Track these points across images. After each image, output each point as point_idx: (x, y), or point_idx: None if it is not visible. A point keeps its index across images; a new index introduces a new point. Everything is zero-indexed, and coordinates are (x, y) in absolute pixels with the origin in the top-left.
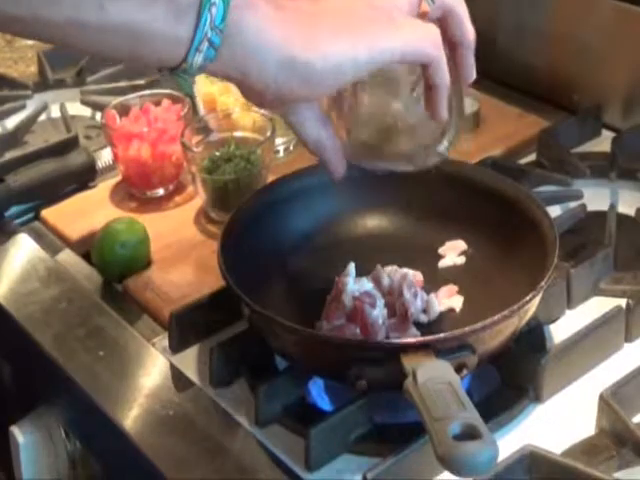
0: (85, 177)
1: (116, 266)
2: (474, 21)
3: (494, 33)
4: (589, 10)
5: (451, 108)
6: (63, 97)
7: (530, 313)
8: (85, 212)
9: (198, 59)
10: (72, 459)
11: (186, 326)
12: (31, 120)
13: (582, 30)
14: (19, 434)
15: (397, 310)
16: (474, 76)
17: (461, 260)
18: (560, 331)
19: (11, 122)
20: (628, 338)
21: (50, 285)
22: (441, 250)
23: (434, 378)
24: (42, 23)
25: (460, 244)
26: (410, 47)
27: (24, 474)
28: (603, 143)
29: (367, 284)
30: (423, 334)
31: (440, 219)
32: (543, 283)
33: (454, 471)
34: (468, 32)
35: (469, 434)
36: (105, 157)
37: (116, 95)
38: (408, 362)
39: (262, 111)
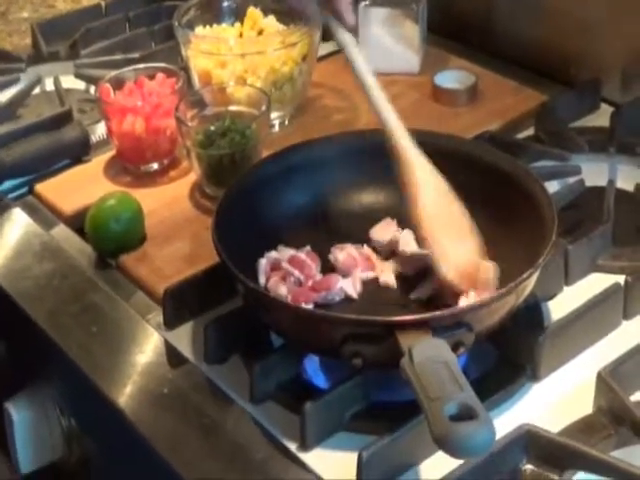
0: (79, 151)
1: (110, 241)
2: None
3: (491, 6)
4: None
5: None
6: (57, 70)
7: (528, 290)
8: (79, 187)
9: None
10: (67, 436)
11: (180, 302)
12: (25, 94)
13: (580, 3)
14: (13, 410)
15: None
16: None
17: None
18: (558, 308)
19: (4, 96)
20: (626, 315)
21: (44, 261)
22: None
23: (430, 357)
24: None
25: None
26: None
27: (19, 450)
28: (602, 117)
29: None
30: (421, 312)
31: None
32: (541, 260)
33: (450, 452)
34: None
35: (465, 414)
36: (99, 131)
37: (110, 68)
38: (404, 340)
39: (257, 85)
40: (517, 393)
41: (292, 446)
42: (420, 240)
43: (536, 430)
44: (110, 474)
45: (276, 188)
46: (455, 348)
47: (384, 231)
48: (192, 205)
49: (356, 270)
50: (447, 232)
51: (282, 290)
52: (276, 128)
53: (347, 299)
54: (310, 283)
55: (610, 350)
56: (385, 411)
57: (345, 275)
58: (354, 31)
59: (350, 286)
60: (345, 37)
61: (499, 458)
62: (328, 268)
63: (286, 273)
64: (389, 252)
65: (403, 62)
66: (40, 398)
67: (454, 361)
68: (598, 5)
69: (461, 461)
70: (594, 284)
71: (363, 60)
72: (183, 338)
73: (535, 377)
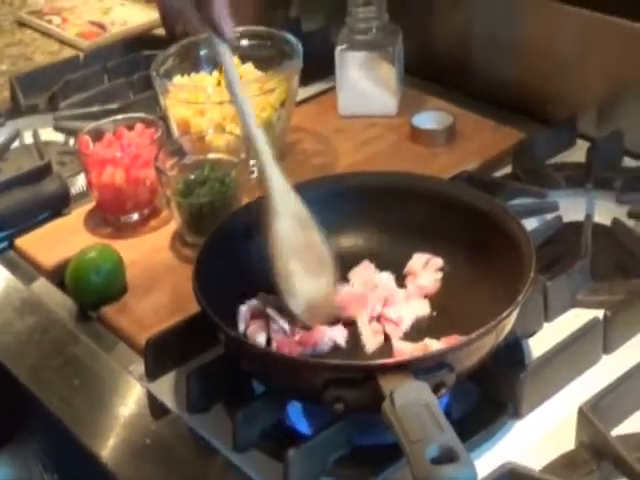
0: (59, 204)
1: (91, 293)
2: (448, 35)
3: (468, 47)
4: (561, 21)
5: None
6: (36, 123)
7: (508, 328)
8: (59, 239)
9: None
10: None
11: (162, 352)
12: (4, 148)
13: (554, 41)
14: None
15: None
16: None
17: (438, 276)
18: (538, 345)
19: None
20: (606, 349)
21: (25, 315)
22: (416, 266)
23: (412, 400)
24: None
25: (437, 261)
26: None
27: None
28: (578, 153)
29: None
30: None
31: (416, 236)
32: (520, 298)
33: None
34: None
35: (447, 457)
36: (79, 183)
37: (89, 120)
38: (385, 384)
39: (236, 132)
40: (499, 431)
41: None
42: (274, 272)
43: (518, 468)
44: None
45: (255, 236)
46: (436, 389)
47: (362, 273)
48: (173, 254)
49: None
50: (301, 263)
51: (261, 338)
52: (256, 174)
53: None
54: (297, 337)
55: (591, 385)
56: (368, 455)
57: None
58: (232, 41)
59: (339, 334)
60: (220, 48)
61: None
62: None
63: (267, 320)
64: None
65: (381, 104)
66: (23, 454)
67: (435, 403)
68: (571, 43)
69: None
70: (574, 319)
71: (236, 75)
72: (165, 388)
73: (517, 414)
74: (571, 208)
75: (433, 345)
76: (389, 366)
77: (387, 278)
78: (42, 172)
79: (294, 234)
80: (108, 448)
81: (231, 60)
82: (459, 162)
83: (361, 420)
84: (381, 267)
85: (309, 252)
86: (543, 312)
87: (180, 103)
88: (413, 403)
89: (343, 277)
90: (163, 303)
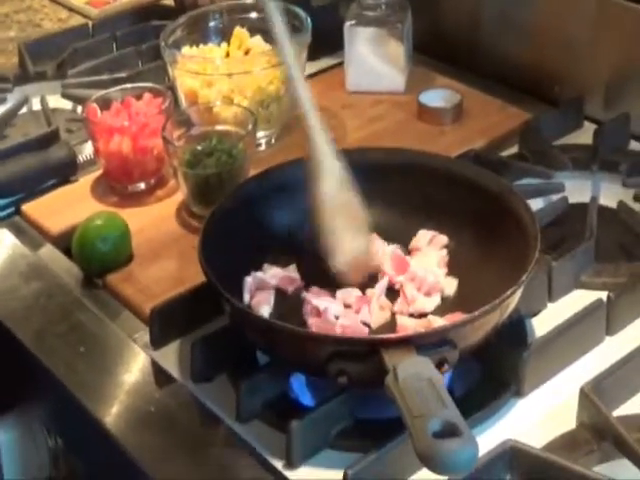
0: (66, 171)
1: (96, 261)
2: (457, 13)
3: (477, 26)
4: (571, 2)
5: None
6: (44, 90)
7: (511, 307)
8: (66, 206)
9: None
10: (54, 456)
11: (167, 321)
12: (12, 113)
13: (564, 22)
14: (0, 431)
15: None
16: None
17: (443, 253)
18: (541, 324)
19: None
20: (609, 331)
21: (31, 281)
22: (421, 242)
23: (415, 375)
24: None
25: (442, 239)
26: None
27: (5, 471)
28: (585, 135)
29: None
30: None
31: (421, 213)
32: (524, 277)
33: (434, 469)
34: None
35: (449, 432)
36: (86, 151)
37: (97, 88)
38: (389, 358)
39: (244, 104)
40: (502, 409)
41: (278, 464)
42: (316, 225)
43: (520, 446)
44: None
45: (262, 207)
46: (439, 365)
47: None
48: (179, 224)
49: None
50: (344, 221)
51: (265, 309)
52: (263, 147)
53: None
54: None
55: (593, 366)
56: (370, 428)
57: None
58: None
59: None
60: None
61: (483, 474)
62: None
63: (271, 292)
64: None
65: (388, 81)
66: (27, 418)
67: (438, 378)
68: (581, 25)
69: (445, 478)
70: (577, 300)
71: (288, 43)
72: (170, 357)
73: (519, 393)
74: (577, 190)
75: (437, 322)
76: (392, 341)
77: (395, 250)
78: (50, 139)
79: (338, 193)
80: (112, 415)
81: (281, 23)
82: (466, 141)
83: (364, 393)
84: (389, 241)
85: (350, 211)
86: (547, 292)
87: (188, 74)
88: (416, 378)
89: None
90: (169, 272)
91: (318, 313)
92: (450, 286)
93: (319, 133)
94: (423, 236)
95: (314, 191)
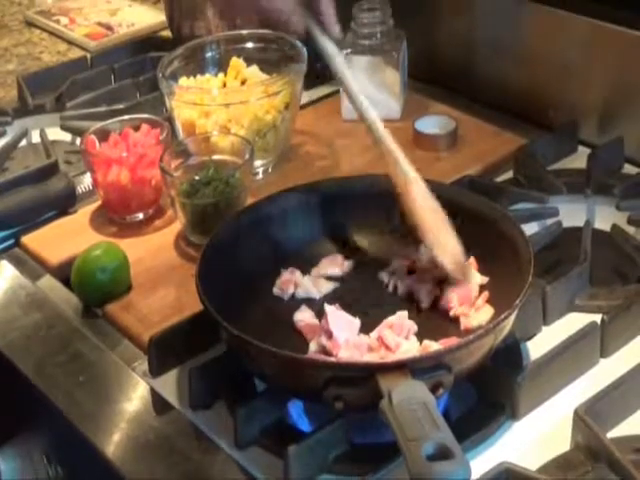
0: (65, 203)
1: (96, 291)
2: (452, 41)
3: (471, 53)
4: (564, 28)
5: None
6: (43, 122)
7: (506, 331)
8: (65, 237)
9: None
10: None
11: (165, 350)
12: (11, 146)
13: (557, 47)
14: (0, 460)
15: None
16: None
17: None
18: (536, 347)
19: None
20: (603, 353)
21: (31, 312)
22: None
23: (409, 399)
24: None
25: None
26: None
27: None
28: (579, 159)
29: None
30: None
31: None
32: (518, 301)
33: None
34: None
35: (442, 454)
36: (85, 182)
37: (95, 120)
38: (384, 382)
39: (241, 134)
40: (496, 432)
41: None
42: (414, 228)
43: (515, 468)
44: None
45: (259, 235)
46: (434, 389)
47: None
48: (177, 253)
49: None
50: (437, 224)
51: None
52: (260, 176)
53: None
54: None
55: (587, 388)
56: (367, 453)
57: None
58: (339, 42)
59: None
60: (331, 48)
61: None
62: None
63: None
64: None
65: (384, 108)
66: (27, 447)
67: (432, 402)
68: (575, 49)
69: None
70: (572, 323)
71: (348, 71)
72: (168, 385)
73: (514, 416)
74: (571, 214)
75: (432, 346)
76: (388, 366)
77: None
78: (49, 171)
79: (428, 198)
80: (112, 443)
81: (342, 59)
82: (461, 167)
83: (360, 418)
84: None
85: (439, 214)
86: (542, 315)
87: (186, 104)
88: (410, 401)
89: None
90: (167, 301)
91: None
92: None
93: (393, 144)
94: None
95: (407, 200)
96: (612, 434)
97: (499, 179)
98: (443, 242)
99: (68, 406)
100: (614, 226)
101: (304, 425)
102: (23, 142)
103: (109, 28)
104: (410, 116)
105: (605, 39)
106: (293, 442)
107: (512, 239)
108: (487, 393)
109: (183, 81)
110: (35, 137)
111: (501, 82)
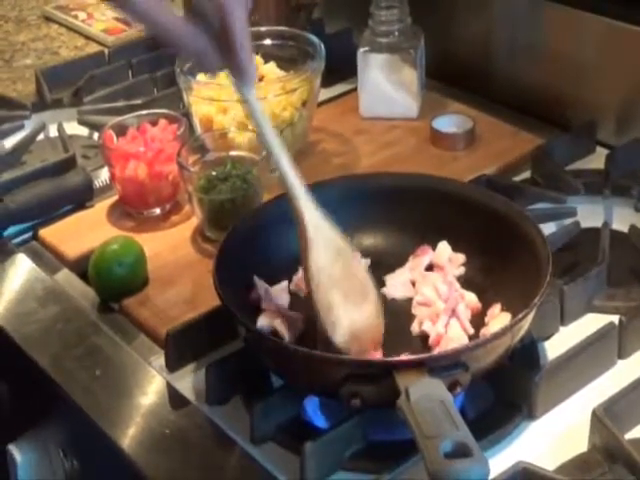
0: (82, 197)
1: (113, 285)
2: (470, 39)
3: (489, 52)
4: (582, 28)
5: None
6: (61, 117)
7: (523, 330)
8: (83, 231)
9: None
10: (70, 478)
11: (182, 345)
12: (29, 140)
13: (575, 48)
14: (17, 453)
15: None
16: None
17: (460, 272)
18: (554, 348)
19: (9, 142)
20: (621, 355)
21: (48, 305)
22: (442, 260)
23: (427, 396)
24: None
25: (460, 257)
26: None
27: None
28: (597, 160)
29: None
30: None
31: (435, 238)
32: (536, 301)
33: None
34: None
35: (460, 452)
36: (102, 177)
37: (113, 115)
38: (401, 380)
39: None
40: (514, 431)
41: None
42: (309, 297)
43: (532, 468)
44: None
45: (276, 232)
46: (451, 388)
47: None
48: (194, 249)
49: None
50: (341, 293)
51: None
52: (277, 172)
53: None
54: None
55: (605, 389)
56: (383, 450)
57: None
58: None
59: None
60: (252, 99)
61: None
62: None
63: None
64: None
65: (402, 107)
66: (43, 440)
67: (450, 400)
68: (593, 50)
69: None
70: (589, 324)
71: (268, 123)
72: (185, 380)
73: (531, 416)
74: (589, 214)
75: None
76: (405, 363)
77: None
78: (66, 165)
79: (331, 264)
80: (128, 437)
81: (258, 104)
82: (478, 166)
83: (377, 415)
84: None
85: (349, 281)
86: (559, 316)
87: (203, 100)
88: (428, 399)
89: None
90: (184, 296)
91: None
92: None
93: (304, 201)
94: (444, 250)
95: (305, 265)
96: (630, 435)
97: (516, 179)
98: (337, 318)
99: (84, 400)
100: (632, 227)
101: (320, 422)
102: (41, 136)
103: (127, 23)
104: (427, 115)
105: (623, 39)
106: (309, 438)
107: (530, 239)
108: (504, 393)
109: (201, 77)
110: (53, 131)
111: (518, 81)
